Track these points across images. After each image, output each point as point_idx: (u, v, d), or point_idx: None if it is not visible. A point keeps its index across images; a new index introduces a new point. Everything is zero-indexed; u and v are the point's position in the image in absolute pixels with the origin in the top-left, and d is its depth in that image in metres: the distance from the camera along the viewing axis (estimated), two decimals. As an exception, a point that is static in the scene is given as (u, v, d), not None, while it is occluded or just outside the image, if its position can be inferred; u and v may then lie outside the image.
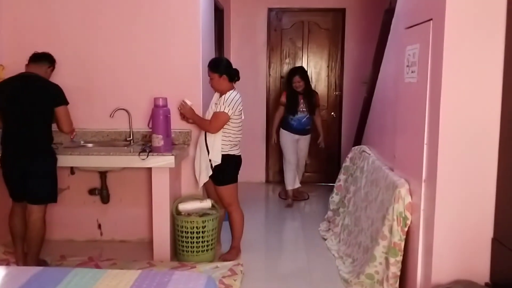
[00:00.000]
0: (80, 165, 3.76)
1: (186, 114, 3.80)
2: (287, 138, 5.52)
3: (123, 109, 4.04)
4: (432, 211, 2.70)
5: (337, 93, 6.39)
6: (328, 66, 6.37)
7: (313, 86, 6.34)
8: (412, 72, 3.06)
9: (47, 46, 3.81)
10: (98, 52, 4.09)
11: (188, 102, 3.79)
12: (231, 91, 3.70)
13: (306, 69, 5.66)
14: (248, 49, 6.34)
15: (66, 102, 3.47)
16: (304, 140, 5.62)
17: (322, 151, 6.38)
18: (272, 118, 5.74)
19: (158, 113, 3.58)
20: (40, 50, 3.63)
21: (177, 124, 3.94)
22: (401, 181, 3.11)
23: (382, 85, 4.21)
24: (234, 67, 3.77)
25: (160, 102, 3.60)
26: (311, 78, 6.36)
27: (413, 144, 2.99)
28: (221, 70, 3.66)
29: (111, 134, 4.13)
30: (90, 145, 4.01)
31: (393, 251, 3.04)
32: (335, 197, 4.78)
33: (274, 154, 6.50)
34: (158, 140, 3.57)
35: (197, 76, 4.05)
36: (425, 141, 2.81)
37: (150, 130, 3.71)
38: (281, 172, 6.32)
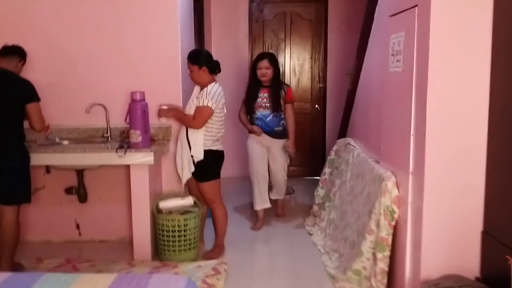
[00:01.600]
0: (55, 163, 3.60)
1: (169, 115, 3.73)
2: (251, 143, 4.37)
3: (99, 104, 3.89)
4: (420, 204, 2.62)
5: (320, 85, 6.29)
6: (311, 58, 6.26)
7: (295, 79, 6.26)
8: (397, 61, 2.97)
9: (18, 39, 3.61)
10: (73, 46, 3.92)
11: (164, 107, 3.71)
12: (212, 84, 3.57)
13: (275, 57, 4.39)
14: (229, 41, 6.20)
15: (37, 99, 3.30)
16: (277, 147, 4.39)
17: (307, 144, 6.30)
18: (239, 119, 4.47)
19: (136, 107, 3.44)
20: (10, 43, 3.45)
21: (156, 119, 3.80)
22: (388, 173, 3.02)
23: (366, 76, 4.11)
24: (215, 59, 3.64)
25: (138, 96, 3.45)
26: (295, 70, 6.26)
27: (399, 135, 2.90)
28: (201, 61, 3.53)
29: (87, 130, 3.97)
30: (65, 142, 3.86)
31: (381, 246, 2.96)
32: (320, 191, 4.68)
33: (258, 148, 6.35)
34: (136, 136, 3.43)
35: (176, 69, 3.91)
36: (412, 132, 2.72)
37: (128, 126, 3.56)
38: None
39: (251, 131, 4.36)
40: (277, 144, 4.37)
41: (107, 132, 3.91)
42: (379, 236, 2.96)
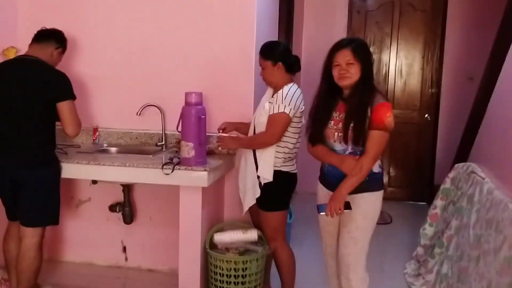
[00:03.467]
0: (85, 177, 2.96)
1: (233, 147, 2.92)
2: (319, 198, 2.61)
3: (154, 105, 3.18)
4: None
5: (433, 90, 5.16)
6: (423, 57, 5.17)
7: (401, 81, 5.19)
8: None
9: (67, 26, 3.04)
10: (127, 34, 3.26)
11: (223, 135, 2.90)
12: (289, 85, 2.71)
13: (366, 46, 2.44)
14: (324, 36, 5.21)
15: (71, 97, 2.65)
16: (355, 208, 2.34)
17: (410, 160, 5.22)
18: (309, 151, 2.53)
19: (189, 113, 2.66)
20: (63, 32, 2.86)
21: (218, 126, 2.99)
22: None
23: (507, 85, 2.98)
24: (305, 56, 2.79)
25: (193, 99, 2.67)
26: (401, 71, 5.18)
27: None
28: (276, 56, 2.69)
29: (140, 136, 3.30)
30: (113, 149, 3.22)
31: None
32: (428, 229, 3.61)
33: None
34: (188, 150, 2.65)
35: (248, 67, 3.10)
36: None
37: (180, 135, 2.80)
38: None
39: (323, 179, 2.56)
40: (358, 203, 2.35)
41: (162, 140, 3.20)
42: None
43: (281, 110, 2.62)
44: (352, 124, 2.27)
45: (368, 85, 2.31)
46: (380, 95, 2.32)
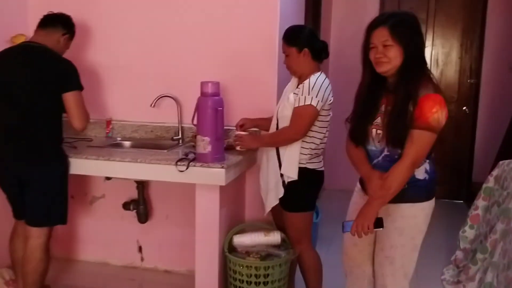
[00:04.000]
0: (94, 173, 2.76)
1: (254, 146, 2.66)
2: (351, 205, 2.26)
3: (169, 96, 2.97)
4: None
5: (472, 81, 4.80)
6: (461, 45, 4.82)
7: (438, 71, 4.84)
8: None
9: (79, 11, 2.89)
10: (142, 21, 3.05)
11: (242, 133, 2.63)
12: (316, 74, 2.45)
13: (411, 21, 1.93)
14: (354, 22, 4.87)
15: (78, 87, 2.46)
16: (392, 221, 2.00)
17: (447, 156, 4.87)
18: (348, 154, 2.18)
19: (205, 104, 2.42)
20: (73, 17, 2.67)
21: (237, 119, 2.75)
22: None
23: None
24: (333, 43, 2.54)
25: (209, 89, 2.43)
26: (437, 60, 4.84)
27: None
28: (302, 42, 2.43)
29: (156, 129, 3.09)
30: (127, 143, 3.03)
31: None
32: (468, 232, 3.28)
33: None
34: (204, 145, 2.42)
35: (271, 55, 2.87)
36: None
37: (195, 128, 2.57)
38: None
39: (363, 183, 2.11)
40: (393, 216, 2.00)
41: (178, 133, 2.98)
42: None
43: (307, 102, 2.37)
44: (389, 121, 1.89)
45: (414, 72, 1.86)
46: (430, 84, 1.89)
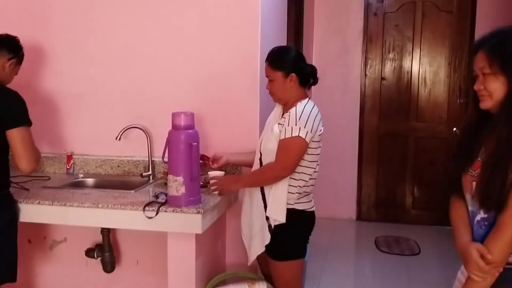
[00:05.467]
0: (49, 221, 2.41)
1: (230, 188, 2.27)
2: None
3: (138, 127, 2.63)
4: None
5: (461, 100, 4.57)
6: (449, 64, 4.57)
7: (426, 91, 4.66)
8: None
9: (33, 32, 2.57)
10: (106, 43, 2.72)
11: (217, 173, 2.33)
12: (303, 101, 2.15)
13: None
14: (336, 41, 4.69)
15: (24, 122, 2.10)
16: None
17: (437, 179, 4.64)
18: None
19: (177, 139, 2.09)
20: (25, 38, 2.33)
21: (215, 150, 2.42)
22: None
23: None
24: (315, 65, 2.24)
25: (182, 121, 2.10)
26: (425, 80, 4.62)
27: None
28: (288, 66, 2.14)
29: (123, 164, 2.74)
30: (90, 181, 2.67)
31: None
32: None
33: (369, 181, 4.80)
34: (176, 186, 2.08)
35: (252, 79, 2.56)
36: None
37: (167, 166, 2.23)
38: (378, 207, 4.69)
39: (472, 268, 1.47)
40: None
41: (148, 169, 2.64)
42: None
43: (295, 133, 2.06)
44: (483, 171, 1.43)
45: None
46: None
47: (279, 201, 2.14)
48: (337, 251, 4.04)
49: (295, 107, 2.13)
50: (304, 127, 2.07)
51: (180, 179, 2.07)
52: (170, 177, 2.10)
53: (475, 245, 1.45)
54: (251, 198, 2.24)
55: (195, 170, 2.09)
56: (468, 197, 1.51)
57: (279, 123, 2.15)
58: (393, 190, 4.78)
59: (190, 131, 2.11)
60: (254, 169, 2.24)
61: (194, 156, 2.09)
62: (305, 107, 2.13)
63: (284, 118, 2.14)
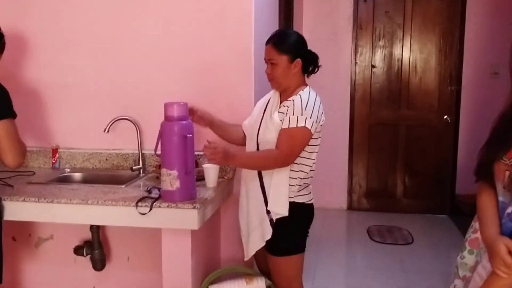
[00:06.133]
0: (35, 219, 2.30)
1: (217, 160, 1.97)
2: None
3: (127, 119, 2.52)
4: None
5: (452, 88, 4.53)
6: (440, 51, 4.53)
7: (417, 78, 4.62)
8: None
9: (12, 19, 2.44)
10: (93, 30, 2.59)
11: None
12: (306, 90, 2.07)
13: None
14: (326, 28, 4.60)
15: (8, 114, 1.98)
16: None
17: (428, 168, 4.62)
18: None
19: (170, 131, 1.99)
20: (5, 25, 2.18)
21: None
22: None
23: None
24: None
25: (175, 111, 2.00)
26: (415, 67, 4.58)
27: None
28: (295, 50, 2.07)
29: (112, 157, 2.63)
30: (77, 176, 2.56)
31: None
32: (468, 258, 2.85)
33: (360, 170, 4.76)
34: (171, 180, 1.98)
35: (247, 68, 2.45)
36: None
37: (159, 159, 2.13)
38: (369, 196, 4.65)
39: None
40: None
41: (139, 162, 2.53)
42: None
43: (300, 123, 1.97)
44: None
45: None
46: None
47: (281, 193, 2.05)
48: (330, 242, 4.00)
49: (299, 96, 2.04)
50: (310, 118, 1.99)
51: (175, 172, 1.97)
52: (163, 170, 2.00)
53: (503, 239, 1.37)
54: (247, 191, 2.15)
55: (190, 163, 1.99)
56: (499, 186, 1.43)
57: (279, 111, 2.06)
58: (384, 179, 4.75)
59: (184, 122, 2.01)
60: (251, 151, 2.14)
61: (188, 148, 1.99)
62: (309, 96, 2.05)
63: (286, 106, 2.04)
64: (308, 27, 4.54)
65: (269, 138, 2.04)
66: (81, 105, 2.63)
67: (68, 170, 2.60)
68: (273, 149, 2.02)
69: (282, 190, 2.05)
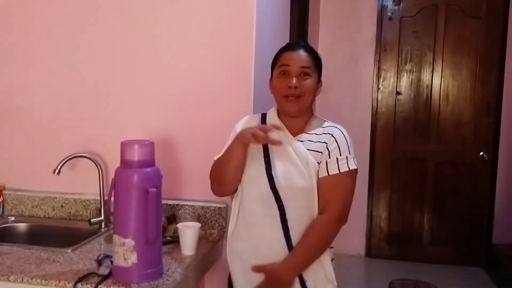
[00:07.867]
0: None
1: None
2: None
3: (85, 156, 1.96)
4: None
5: (490, 120, 4.00)
6: (476, 77, 4.00)
7: (448, 107, 4.14)
8: None
9: None
10: (49, 41, 2.07)
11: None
12: (325, 119, 1.62)
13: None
14: (345, 49, 4.12)
15: None
16: None
17: (461, 212, 4.10)
18: None
19: (127, 182, 1.41)
20: None
21: (192, 192, 1.75)
22: None
23: None
24: None
25: (135, 155, 1.42)
26: (447, 95, 4.08)
27: None
28: (321, 68, 1.60)
29: (69, 204, 2.08)
30: (21, 226, 2.03)
31: None
32: None
33: (381, 211, 4.20)
34: (124, 252, 1.40)
35: (246, 92, 1.88)
36: None
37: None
38: (391, 241, 4.09)
39: None
40: None
41: (100, 213, 1.96)
42: None
43: (352, 166, 1.49)
44: None
45: None
46: None
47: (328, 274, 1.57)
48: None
49: (336, 128, 1.54)
50: (355, 156, 1.52)
51: (130, 242, 1.38)
52: (115, 238, 1.41)
53: None
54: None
55: (152, 228, 1.40)
56: None
57: (311, 149, 1.47)
58: (408, 223, 4.19)
59: (148, 169, 1.43)
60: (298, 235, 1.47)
61: (151, 207, 1.40)
62: (341, 127, 1.57)
63: (325, 142, 1.49)
64: (325, 48, 4.04)
65: (302, 186, 1.46)
66: (34, 136, 2.10)
67: (12, 219, 2.04)
68: (317, 219, 1.47)
69: (328, 269, 1.57)
